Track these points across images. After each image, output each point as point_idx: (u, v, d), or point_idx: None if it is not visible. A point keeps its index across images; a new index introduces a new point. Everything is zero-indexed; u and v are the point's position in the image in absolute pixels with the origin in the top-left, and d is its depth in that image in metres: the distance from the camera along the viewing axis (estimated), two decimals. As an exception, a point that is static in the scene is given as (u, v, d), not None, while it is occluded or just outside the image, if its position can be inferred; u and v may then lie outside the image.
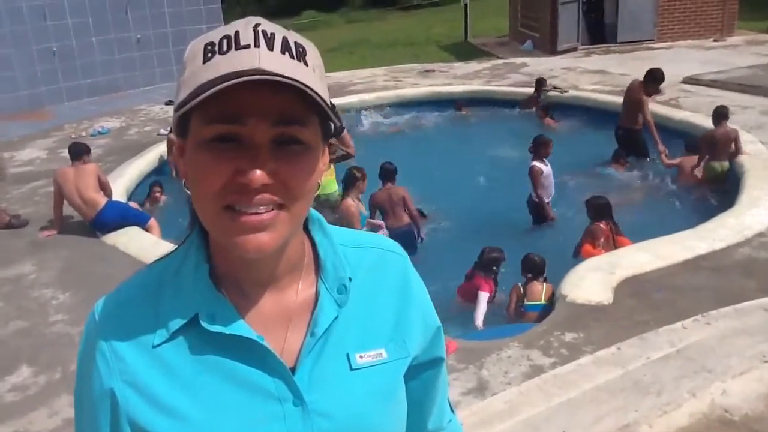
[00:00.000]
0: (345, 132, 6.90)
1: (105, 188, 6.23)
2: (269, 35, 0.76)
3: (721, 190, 6.86)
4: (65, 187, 6.12)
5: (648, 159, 8.04)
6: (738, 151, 6.96)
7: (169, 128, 10.02)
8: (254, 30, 0.76)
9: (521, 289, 4.92)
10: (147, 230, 6.21)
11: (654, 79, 8.01)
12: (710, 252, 4.91)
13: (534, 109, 10.33)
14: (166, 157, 8.63)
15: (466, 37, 19.48)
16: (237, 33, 0.76)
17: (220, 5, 14.70)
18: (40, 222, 6.64)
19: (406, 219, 6.18)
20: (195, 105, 0.73)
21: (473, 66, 14.30)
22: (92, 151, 9.07)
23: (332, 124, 0.84)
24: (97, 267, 5.52)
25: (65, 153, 9.22)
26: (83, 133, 10.23)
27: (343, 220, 5.82)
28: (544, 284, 4.85)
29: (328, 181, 6.75)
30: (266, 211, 0.77)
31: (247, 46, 0.75)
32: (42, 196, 7.46)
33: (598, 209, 5.85)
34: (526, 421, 3.14)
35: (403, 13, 29.87)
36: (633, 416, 3.10)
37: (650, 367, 3.50)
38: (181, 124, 0.80)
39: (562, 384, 3.43)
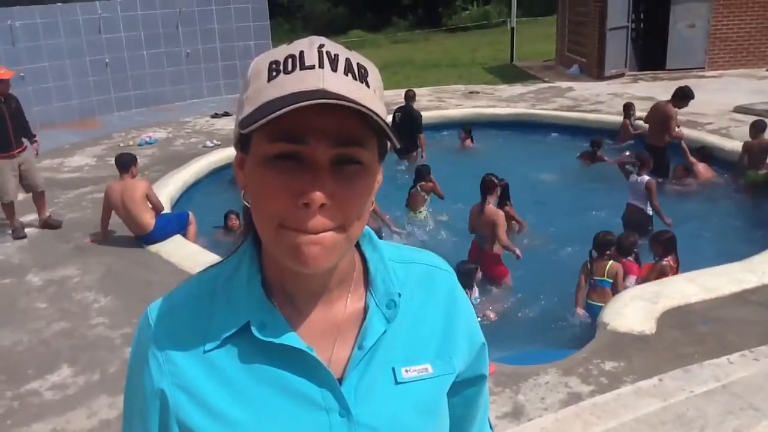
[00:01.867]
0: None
1: (156, 207, 6.26)
2: (333, 56, 0.78)
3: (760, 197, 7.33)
4: (113, 204, 6.22)
5: (668, 178, 8.07)
6: None
7: (214, 141, 10.20)
8: (318, 51, 0.77)
9: (589, 265, 5.29)
10: (189, 225, 6.39)
11: (684, 95, 8.01)
12: (759, 286, 4.76)
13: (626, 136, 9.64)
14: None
15: (511, 60, 19.44)
16: (302, 53, 0.77)
17: (268, 22, 14.97)
18: (86, 227, 6.79)
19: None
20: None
21: (518, 89, 14.24)
22: (139, 160, 9.36)
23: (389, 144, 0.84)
24: (139, 273, 5.61)
25: (112, 161, 9.49)
26: (131, 143, 10.48)
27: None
28: (610, 261, 5.20)
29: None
30: (323, 231, 0.78)
31: (312, 67, 0.76)
32: (89, 202, 7.65)
33: (667, 244, 5.39)
34: (563, 449, 3.07)
35: (448, 35, 29.95)
36: (675, 451, 3.00)
37: (693, 402, 3.39)
38: (243, 139, 0.82)
39: (600, 413, 3.34)
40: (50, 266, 5.86)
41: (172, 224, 6.35)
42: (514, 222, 6.76)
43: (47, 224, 6.80)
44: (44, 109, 12.06)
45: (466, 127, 10.51)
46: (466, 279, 5.13)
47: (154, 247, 6.08)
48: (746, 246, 5.98)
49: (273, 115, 0.72)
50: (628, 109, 9.82)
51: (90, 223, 6.91)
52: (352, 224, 0.80)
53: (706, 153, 8.33)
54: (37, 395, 3.92)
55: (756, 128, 7.67)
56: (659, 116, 8.04)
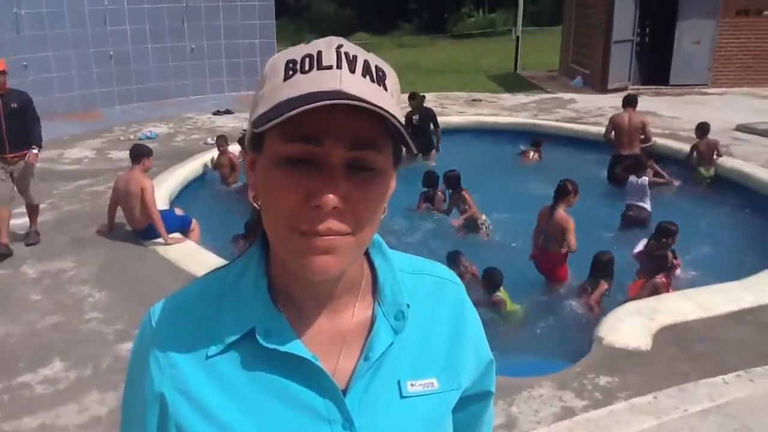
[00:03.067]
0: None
1: (146, 207, 5.94)
2: (351, 57, 0.76)
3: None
4: (117, 193, 6.19)
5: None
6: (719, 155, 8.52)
7: (215, 138, 10.18)
8: (337, 51, 0.76)
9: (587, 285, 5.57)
10: (191, 231, 6.28)
11: (634, 101, 8.98)
12: (757, 306, 4.75)
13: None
14: (210, 165, 8.75)
15: (515, 69, 19.47)
16: (320, 53, 0.76)
17: (274, 21, 14.97)
18: (83, 220, 6.76)
19: None
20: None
21: (521, 98, 14.25)
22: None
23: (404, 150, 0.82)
24: (135, 268, 5.59)
25: (112, 154, 9.50)
26: (131, 137, 10.46)
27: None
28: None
29: None
30: (334, 234, 0.76)
31: (330, 67, 0.75)
32: (87, 195, 7.62)
33: (659, 262, 5.53)
34: (555, 464, 3.05)
35: (453, 41, 29.99)
36: (668, 470, 2.99)
37: (687, 420, 3.38)
38: (256, 138, 0.80)
39: (594, 428, 3.33)
40: (46, 258, 5.83)
41: (170, 224, 6.19)
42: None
43: (28, 237, 6.19)
44: (46, 100, 11.98)
45: (536, 140, 10.38)
46: (605, 269, 5.55)
47: (151, 243, 6.05)
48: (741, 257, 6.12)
49: (288, 114, 0.70)
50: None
51: (88, 215, 6.89)
52: (363, 229, 0.79)
53: (652, 154, 8.81)
54: (28, 388, 3.90)
55: (701, 130, 8.66)
56: (634, 126, 8.63)
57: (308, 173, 0.75)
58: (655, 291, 5.25)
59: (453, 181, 7.45)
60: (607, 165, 8.86)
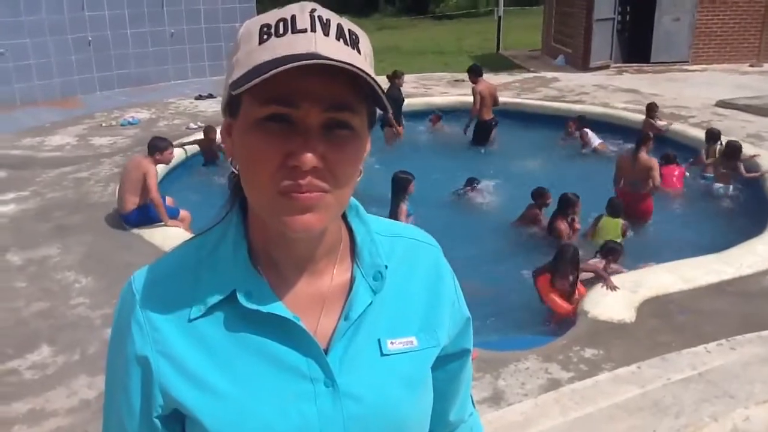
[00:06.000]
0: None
1: (149, 190, 5.98)
2: (325, 21, 0.77)
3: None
4: (122, 173, 6.20)
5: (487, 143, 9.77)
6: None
7: (198, 123, 10.11)
8: (311, 15, 0.77)
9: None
10: (180, 221, 6.25)
11: (478, 70, 9.86)
12: (737, 277, 4.84)
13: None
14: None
15: (498, 49, 19.43)
16: (293, 17, 0.77)
17: (255, 4, 14.82)
18: (67, 207, 6.72)
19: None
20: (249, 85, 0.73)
21: (503, 78, 14.25)
22: (120, 141, 9.29)
23: (382, 112, 0.84)
24: (120, 254, 5.57)
25: (95, 140, 9.41)
26: (113, 123, 10.37)
27: None
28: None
29: None
30: (314, 191, 0.78)
31: (304, 30, 0.76)
32: (70, 182, 7.56)
33: (612, 253, 5.50)
34: (542, 434, 3.11)
35: (435, 23, 29.86)
36: (651, 436, 3.05)
37: (670, 389, 3.45)
38: (232, 102, 0.81)
39: (579, 399, 3.39)
40: (31, 246, 5.79)
41: (152, 215, 6.11)
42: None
43: None
44: (25, 87, 11.87)
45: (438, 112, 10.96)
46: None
47: (136, 229, 6.03)
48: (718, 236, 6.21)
49: (265, 76, 0.71)
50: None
51: (71, 202, 6.84)
52: (341, 188, 0.80)
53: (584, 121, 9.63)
54: (16, 374, 3.89)
55: (649, 109, 9.23)
56: (490, 92, 9.72)
57: (286, 135, 0.76)
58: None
59: None
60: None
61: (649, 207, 6.90)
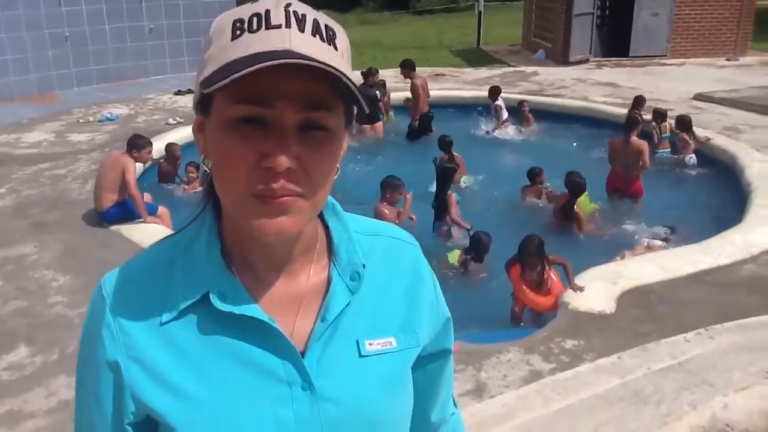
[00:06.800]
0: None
1: (128, 185, 5.90)
2: (300, 16, 0.74)
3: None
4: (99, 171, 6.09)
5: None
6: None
7: (177, 119, 10.02)
8: (285, 10, 0.74)
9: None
10: (158, 218, 6.16)
11: (410, 66, 10.03)
12: (715, 267, 4.88)
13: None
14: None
15: (478, 43, 19.48)
16: (268, 12, 0.74)
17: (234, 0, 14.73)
18: (45, 204, 6.63)
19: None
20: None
21: (484, 72, 14.28)
22: (98, 137, 9.17)
23: (361, 110, 0.80)
24: (98, 252, 5.50)
25: (72, 137, 9.30)
26: (91, 119, 10.25)
27: None
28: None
29: None
30: (287, 195, 0.75)
31: (278, 26, 0.73)
32: (47, 178, 7.46)
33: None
34: (523, 425, 3.11)
35: (416, 17, 29.88)
36: (632, 426, 3.07)
37: (651, 378, 3.47)
38: (204, 100, 0.78)
39: (561, 390, 3.40)
40: (7, 244, 5.70)
41: (132, 211, 6.04)
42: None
43: None
44: (1, 82, 11.71)
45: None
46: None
47: (114, 226, 5.96)
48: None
49: (237, 75, 0.68)
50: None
51: (48, 200, 6.75)
52: (316, 189, 0.78)
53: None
54: (-7, 374, 3.84)
55: (636, 102, 9.29)
56: (426, 85, 10.04)
57: (259, 135, 0.74)
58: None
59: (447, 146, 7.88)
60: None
61: (640, 186, 7.34)
